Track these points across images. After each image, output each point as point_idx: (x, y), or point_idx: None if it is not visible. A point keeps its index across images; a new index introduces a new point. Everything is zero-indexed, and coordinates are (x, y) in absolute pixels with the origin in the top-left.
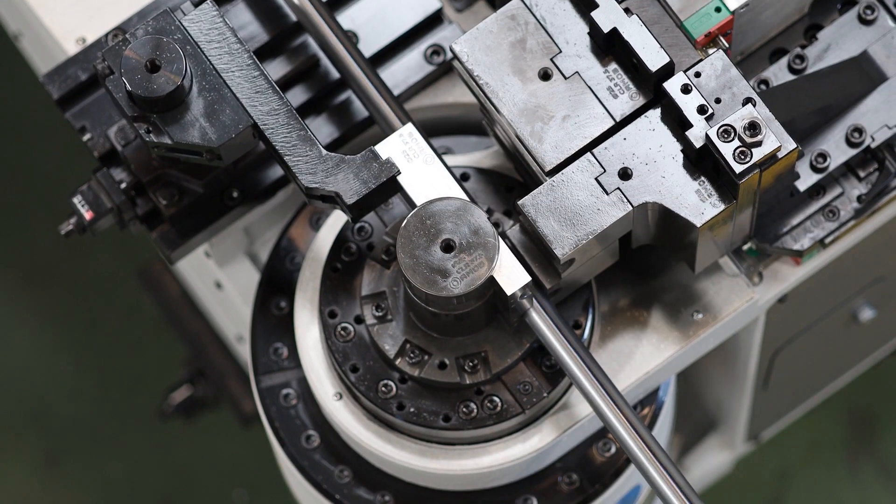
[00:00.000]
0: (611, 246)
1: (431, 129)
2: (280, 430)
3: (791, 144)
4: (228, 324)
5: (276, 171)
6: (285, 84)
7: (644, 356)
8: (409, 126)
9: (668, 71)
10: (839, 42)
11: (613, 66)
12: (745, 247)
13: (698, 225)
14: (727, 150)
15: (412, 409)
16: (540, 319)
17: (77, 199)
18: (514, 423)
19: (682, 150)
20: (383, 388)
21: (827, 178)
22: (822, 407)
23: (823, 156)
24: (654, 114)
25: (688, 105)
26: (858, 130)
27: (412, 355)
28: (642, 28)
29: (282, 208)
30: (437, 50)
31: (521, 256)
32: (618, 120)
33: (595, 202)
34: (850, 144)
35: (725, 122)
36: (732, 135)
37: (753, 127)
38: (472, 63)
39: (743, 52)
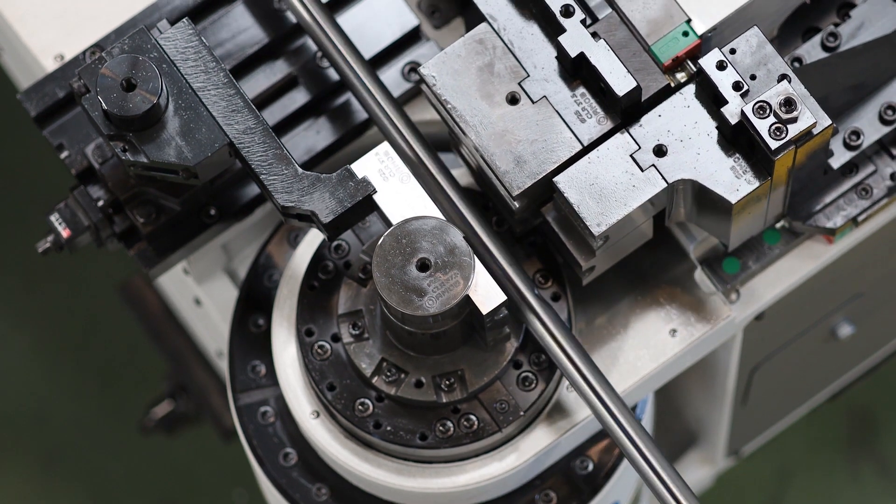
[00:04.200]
0: (645, 223)
1: None
2: (258, 448)
3: (826, 121)
4: (209, 339)
5: (254, 189)
6: (262, 102)
7: (620, 374)
8: (385, 144)
9: (635, 96)
10: (872, 20)
11: (581, 90)
12: (778, 225)
13: (733, 202)
14: (763, 126)
15: (389, 428)
16: (540, 325)
17: (54, 217)
18: (490, 442)
19: (716, 127)
20: (360, 407)
21: (860, 155)
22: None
23: (857, 133)
24: (689, 90)
25: (723, 81)
26: (892, 108)
27: (389, 374)
28: (609, 53)
29: (260, 225)
30: (414, 67)
31: (556, 234)
32: (585, 144)
33: (630, 179)
34: (884, 122)
35: (761, 98)
36: (768, 111)
37: (789, 103)
38: (440, 87)
39: None
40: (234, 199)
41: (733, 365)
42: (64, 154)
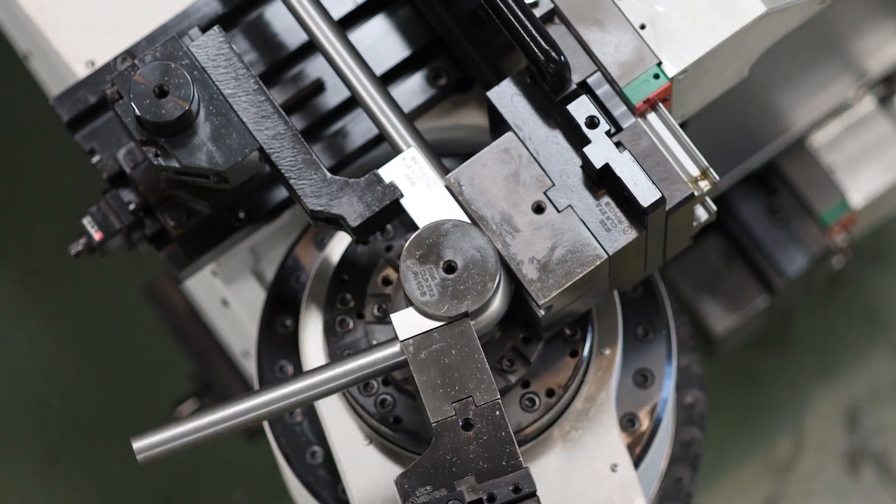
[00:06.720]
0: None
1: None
2: (285, 446)
3: None
4: (235, 339)
5: (282, 193)
6: (291, 107)
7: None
8: (413, 149)
9: (659, 206)
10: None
11: (606, 199)
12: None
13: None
14: None
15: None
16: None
17: (87, 220)
18: None
19: None
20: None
21: None
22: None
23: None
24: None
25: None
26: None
27: None
28: (634, 164)
29: (287, 228)
30: (438, 73)
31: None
32: (611, 254)
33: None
34: None
35: None
36: None
37: None
38: (466, 195)
39: (683, 116)
40: (262, 203)
41: None
42: (95, 158)
